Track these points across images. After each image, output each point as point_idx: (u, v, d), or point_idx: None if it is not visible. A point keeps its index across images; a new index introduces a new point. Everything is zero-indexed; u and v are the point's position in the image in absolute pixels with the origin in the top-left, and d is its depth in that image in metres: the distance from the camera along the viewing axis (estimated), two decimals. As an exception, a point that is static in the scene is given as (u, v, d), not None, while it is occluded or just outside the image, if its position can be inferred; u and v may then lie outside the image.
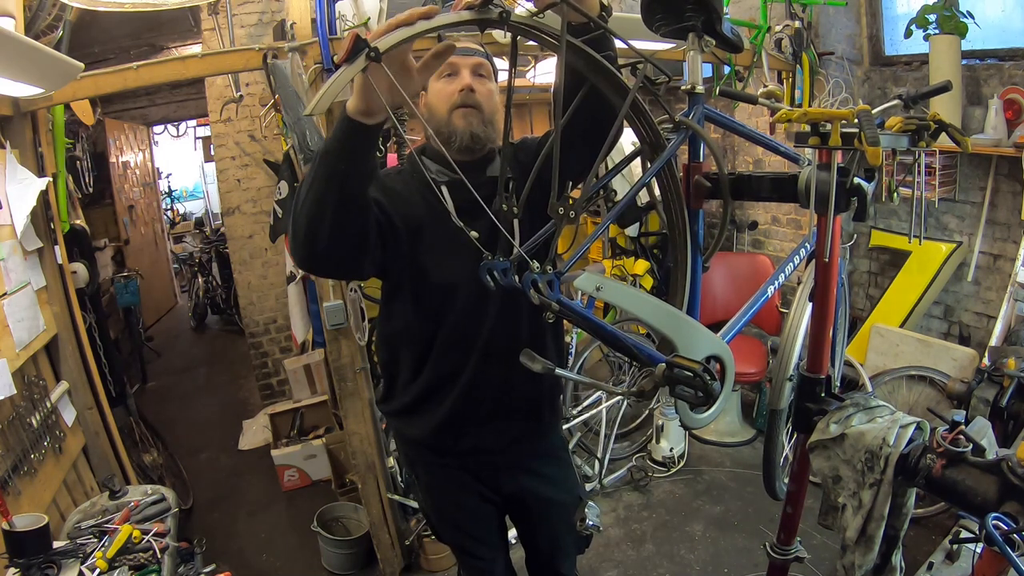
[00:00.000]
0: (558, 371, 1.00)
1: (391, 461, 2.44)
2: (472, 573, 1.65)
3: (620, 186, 3.16)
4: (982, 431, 1.10)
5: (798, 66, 3.02)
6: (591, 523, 1.42)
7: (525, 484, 1.52)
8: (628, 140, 1.22)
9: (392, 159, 2.37)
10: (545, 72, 3.29)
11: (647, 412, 3.33)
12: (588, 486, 2.86)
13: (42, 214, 2.09)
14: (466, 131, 1.30)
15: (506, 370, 1.30)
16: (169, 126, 7.38)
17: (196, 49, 3.62)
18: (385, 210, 1.28)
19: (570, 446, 2.91)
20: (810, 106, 2.56)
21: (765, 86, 2.00)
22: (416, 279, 1.35)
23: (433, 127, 1.33)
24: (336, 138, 1.08)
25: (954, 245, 2.85)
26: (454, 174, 1.28)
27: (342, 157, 1.09)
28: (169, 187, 8.54)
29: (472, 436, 1.43)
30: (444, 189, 1.28)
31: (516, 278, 0.97)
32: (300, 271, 3.05)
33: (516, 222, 1.05)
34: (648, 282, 3.71)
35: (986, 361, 2.44)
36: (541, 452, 1.54)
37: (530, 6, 1.00)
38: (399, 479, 2.46)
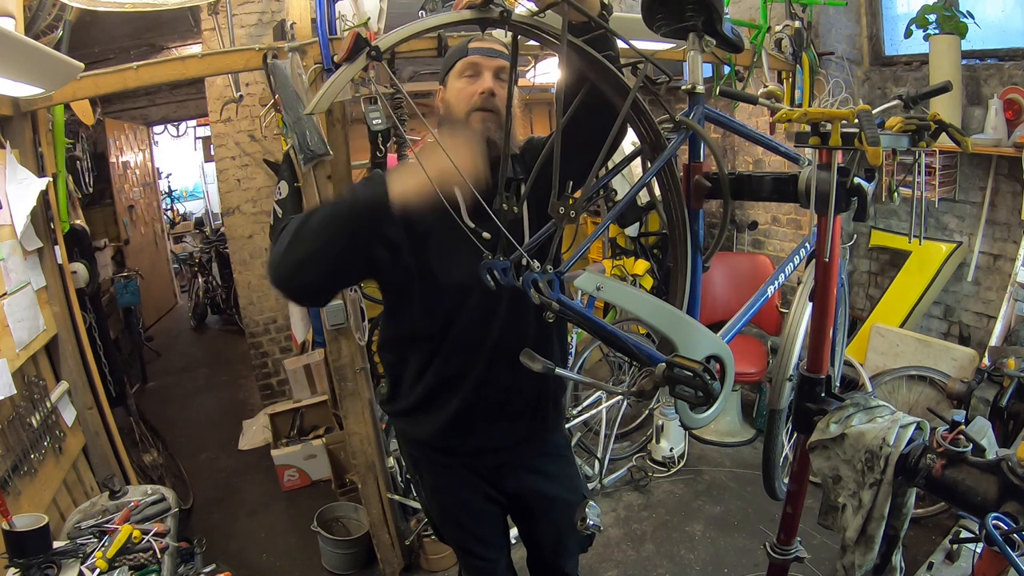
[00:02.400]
0: (558, 371, 1.00)
1: (391, 461, 2.44)
2: (474, 573, 1.65)
3: (620, 186, 3.16)
4: (982, 431, 1.10)
5: (798, 66, 3.02)
6: (591, 523, 1.42)
7: (529, 483, 1.52)
8: (628, 140, 1.22)
9: (392, 159, 2.37)
10: (545, 72, 3.28)
11: (647, 412, 3.33)
12: (588, 486, 2.86)
13: (42, 214, 2.08)
14: (482, 136, 1.27)
15: (512, 370, 1.29)
16: (169, 126, 7.37)
17: (196, 49, 3.62)
18: (391, 226, 1.25)
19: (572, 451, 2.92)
20: (810, 106, 2.56)
21: (765, 86, 2.00)
22: (424, 283, 1.33)
23: (450, 127, 1.32)
24: (355, 209, 1.16)
25: (954, 245, 2.85)
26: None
27: (352, 225, 1.15)
28: (169, 187, 8.54)
29: (478, 435, 1.44)
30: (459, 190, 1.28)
31: (516, 277, 0.97)
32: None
33: (526, 223, 1.04)
34: (648, 282, 3.71)
35: (986, 361, 2.44)
36: (545, 451, 1.55)
37: (531, 5, 1.00)
38: (399, 479, 2.46)
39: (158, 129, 7.30)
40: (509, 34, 1.03)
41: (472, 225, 1.06)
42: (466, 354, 1.36)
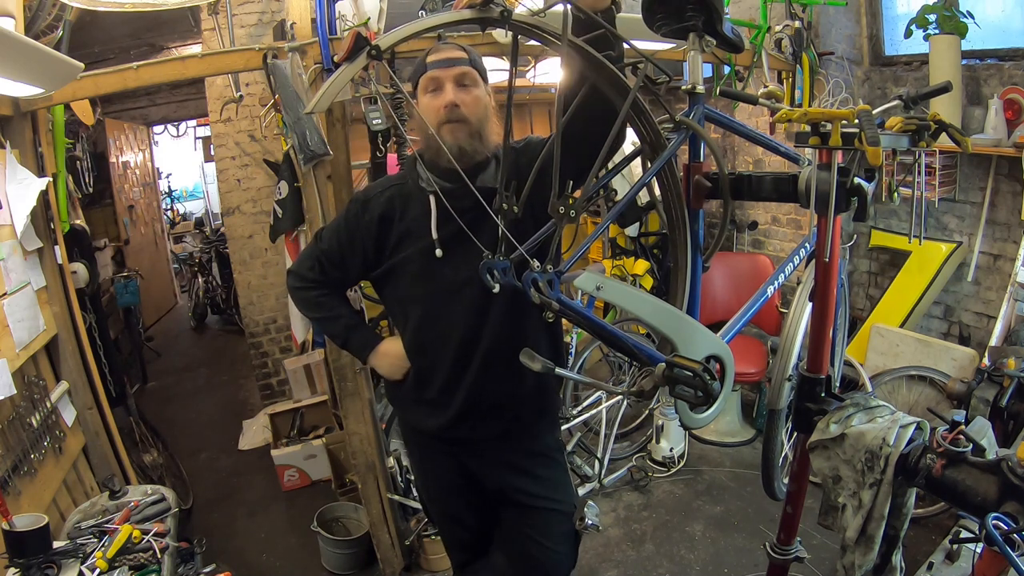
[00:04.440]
0: (558, 371, 1.00)
1: (391, 461, 2.44)
2: (452, 552, 1.72)
3: (620, 186, 3.16)
4: (982, 431, 1.10)
5: (798, 66, 3.01)
6: (590, 522, 1.43)
7: (510, 480, 1.54)
8: (628, 140, 1.23)
9: (392, 159, 2.37)
10: (545, 72, 3.29)
11: (647, 412, 3.33)
12: (588, 486, 2.86)
13: (42, 214, 2.08)
14: (454, 145, 1.31)
15: (499, 370, 1.36)
16: (169, 126, 7.37)
17: (196, 49, 3.61)
18: (382, 249, 1.42)
19: (570, 446, 2.91)
20: (810, 106, 2.55)
21: (765, 86, 2.00)
22: (413, 288, 1.42)
23: (425, 140, 1.37)
24: (343, 348, 1.63)
25: (954, 245, 2.85)
26: (445, 183, 1.33)
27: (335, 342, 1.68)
28: (169, 187, 8.53)
29: (463, 429, 1.48)
30: (434, 198, 1.35)
31: (516, 277, 0.97)
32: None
33: (502, 224, 1.06)
34: (648, 282, 3.71)
35: (986, 361, 2.43)
36: (532, 451, 1.56)
37: (531, 5, 1.00)
38: (399, 479, 2.46)
39: (158, 129, 7.30)
40: (509, 34, 1.03)
41: (466, 227, 1.12)
42: (458, 354, 1.42)
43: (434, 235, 1.35)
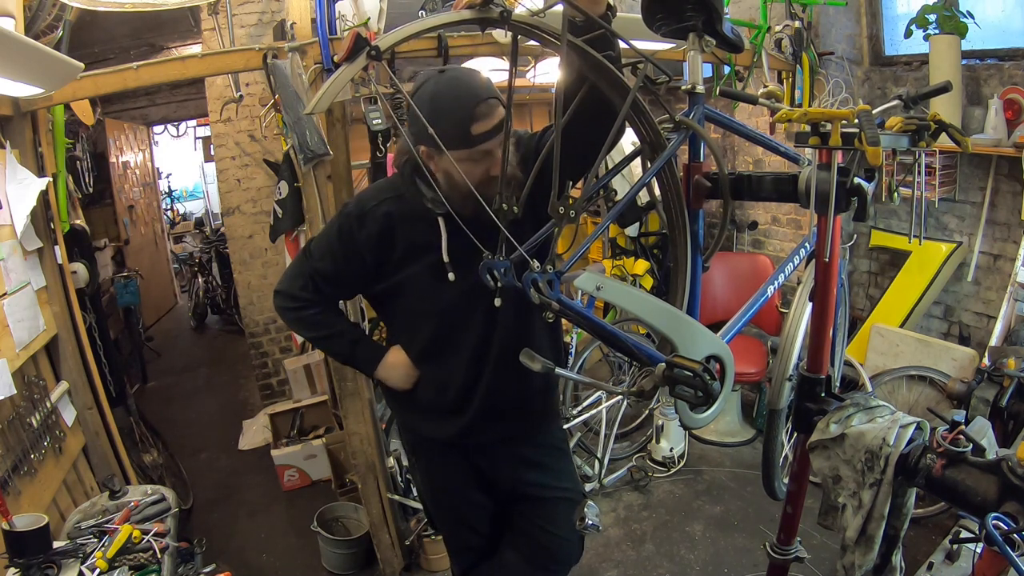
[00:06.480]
0: (558, 370, 1.00)
1: (391, 461, 2.44)
2: (459, 560, 1.69)
3: (620, 186, 3.16)
4: (982, 431, 1.10)
5: (798, 66, 3.01)
6: (590, 522, 1.42)
7: (522, 474, 1.56)
8: (628, 140, 1.23)
9: (392, 159, 2.37)
10: (545, 72, 3.28)
11: (647, 412, 3.33)
12: (588, 486, 2.86)
13: (42, 214, 2.08)
14: (494, 195, 1.21)
15: (510, 371, 1.34)
16: (169, 126, 7.37)
17: (196, 49, 3.61)
18: (385, 266, 1.38)
19: (570, 446, 2.91)
20: (810, 106, 2.55)
21: (765, 86, 2.00)
22: (421, 303, 1.41)
23: (460, 192, 1.26)
24: (347, 364, 1.59)
25: (954, 245, 2.85)
26: (451, 201, 1.28)
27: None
28: (169, 187, 8.53)
29: (476, 434, 1.49)
30: (443, 219, 1.31)
31: (516, 278, 0.98)
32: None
33: (502, 224, 1.05)
34: (648, 282, 3.71)
35: (986, 361, 2.43)
36: (541, 443, 1.58)
37: (531, 5, 1.01)
38: (399, 479, 2.46)
39: (158, 129, 7.30)
40: (509, 34, 1.04)
41: (479, 243, 1.10)
42: (464, 360, 1.42)
43: (445, 258, 1.32)
